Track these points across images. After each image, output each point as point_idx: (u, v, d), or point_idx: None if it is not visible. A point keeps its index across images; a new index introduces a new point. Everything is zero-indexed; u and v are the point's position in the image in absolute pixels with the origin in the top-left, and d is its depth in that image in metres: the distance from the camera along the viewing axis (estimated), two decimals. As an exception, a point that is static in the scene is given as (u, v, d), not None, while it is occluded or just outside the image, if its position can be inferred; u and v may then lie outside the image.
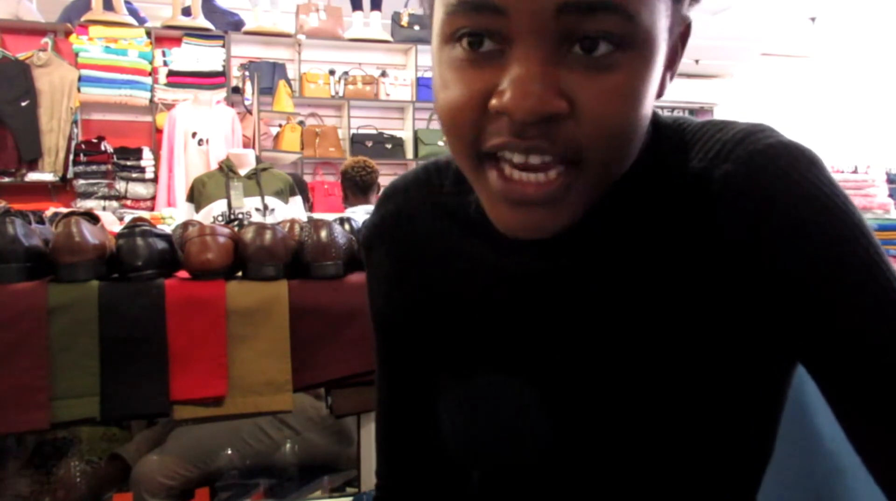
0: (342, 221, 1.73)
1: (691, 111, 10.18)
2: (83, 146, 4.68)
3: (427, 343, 0.68)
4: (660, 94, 0.54)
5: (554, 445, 0.62)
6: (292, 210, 3.24)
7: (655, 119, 0.59)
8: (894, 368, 0.50)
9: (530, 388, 0.62)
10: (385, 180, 5.61)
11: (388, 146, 5.48)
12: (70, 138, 4.65)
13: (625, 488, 0.60)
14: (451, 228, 0.65)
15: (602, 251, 0.58)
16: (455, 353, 0.66)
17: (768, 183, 0.52)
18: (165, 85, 4.87)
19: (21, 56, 4.63)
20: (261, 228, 1.52)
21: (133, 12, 4.89)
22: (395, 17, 5.48)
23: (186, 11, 4.99)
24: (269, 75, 5.05)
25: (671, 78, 0.56)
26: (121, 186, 4.70)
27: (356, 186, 3.57)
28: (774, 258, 0.52)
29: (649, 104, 0.51)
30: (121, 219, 3.44)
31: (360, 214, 2.56)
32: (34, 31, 4.79)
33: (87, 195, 4.61)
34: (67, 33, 4.75)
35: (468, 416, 0.65)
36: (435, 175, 0.68)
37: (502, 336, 0.63)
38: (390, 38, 5.44)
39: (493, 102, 0.48)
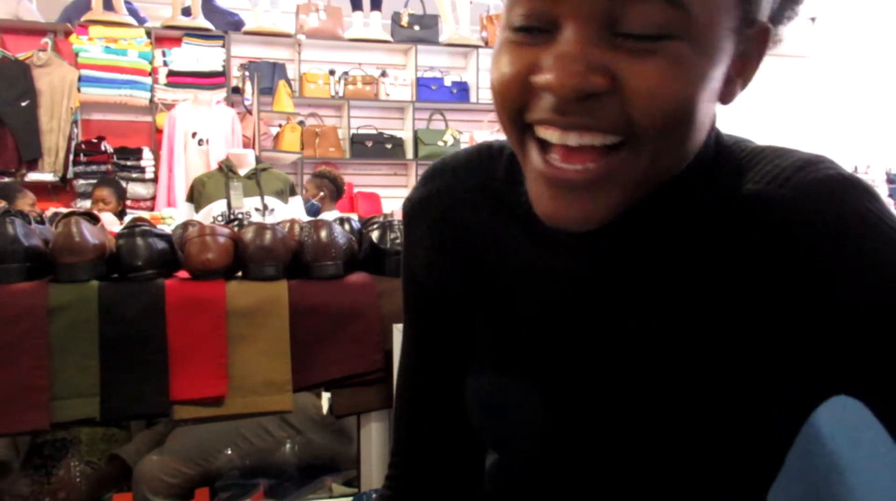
0: (342, 221, 1.73)
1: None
2: (83, 146, 4.68)
3: (461, 321, 0.68)
4: (725, 100, 0.54)
5: (569, 441, 0.62)
6: (292, 210, 3.24)
7: (718, 137, 0.59)
8: None
9: (554, 385, 0.62)
10: (385, 180, 5.63)
11: (388, 146, 5.48)
12: (70, 138, 4.64)
13: (639, 487, 0.61)
14: (499, 216, 0.65)
15: (645, 260, 0.58)
16: (486, 337, 0.66)
17: (827, 213, 0.52)
18: (165, 85, 4.87)
19: (21, 56, 4.63)
20: (261, 228, 1.52)
21: (133, 12, 4.89)
22: (395, 17, 5.49)
23: (186, 11, 4.98)
24: (269, 75, 5.05)
25: (742, 86, 0.55)
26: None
27: (338, 190, 4.01)
28: (832, 287, 0.52)
29: (706, 99, 0.50)
30: (121, 219, 3.44)
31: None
32: (34, 31, 4.79)
33: (87, 195, 4.61)
34: (67, 33, 4.75)
35: (494, 404, 0.65)
36: (487, 159, 0.68)
37: (534, 330, 0.63)
38: (390, 39, 5.44)
39: (537, 78, 0.49)
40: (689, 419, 0.57)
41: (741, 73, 0.54)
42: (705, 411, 0.57)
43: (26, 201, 3.80)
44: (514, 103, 0.52)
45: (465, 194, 0.67)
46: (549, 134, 0.50)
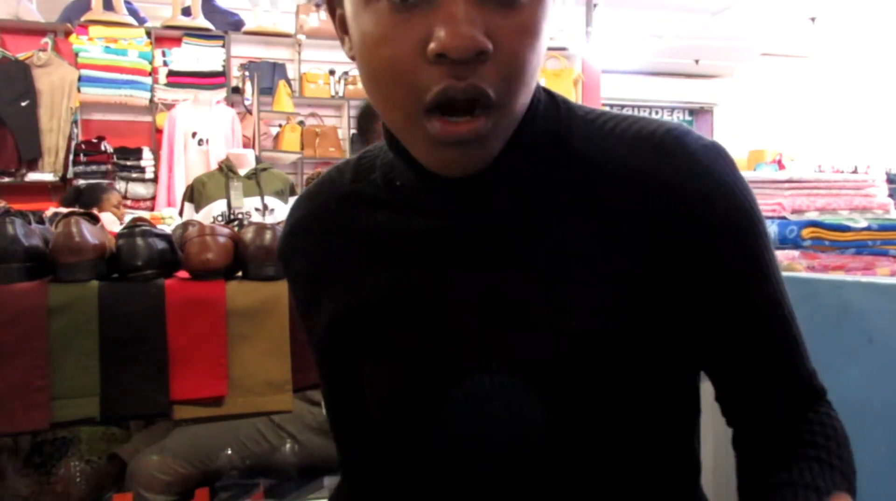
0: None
1: (691, 111, 10.18)
2: (83, 146, 4.68)
3: (359, 333, 0.69)
4: None
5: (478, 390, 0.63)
6: (292, 210, 3.23)
7: (546, 89, 0.64)
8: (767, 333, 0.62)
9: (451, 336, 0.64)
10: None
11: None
12: (70, 138, 4.64)
13: (562, 449, 0.62)
14: (359, 210, 0.68)
15: (506, 202, 0.62)
16: (387, 330, 0.67)
17: (704, 180, 0.59)
18: (165, 85, 4.87)
19: (21, 56, 4.63)
20: (261, 228, 1.52)
21: (133, 12, 4.89)
22: (395, 17, 5.48)
23: (186, 11, 4.99)
24: (269, 75, 5.04)
25: None
26: (121, 186, 4.70)
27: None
28: (699, 244, 0.60)
29: (546, 47, 0.57)
30: (121, 219, 3.45)
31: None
32: (34, 31, 4.79)
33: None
34: (67, 33, 4.75)
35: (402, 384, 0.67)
36: (336, 176, 0.71)
37: (428, 301, 0.64)
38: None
39: (431, 46, 0.52)
40: (573, 361, 0.60)
41: None
42: (593, 348, 0.60)
43: (111, 202, 3.79)
44: (413, 79, 0.53)
45: (324, 210, 0.70)
46: (441, 127, 0.54)
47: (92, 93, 4.65)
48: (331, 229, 0.69)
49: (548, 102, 0.64)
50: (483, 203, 0.62)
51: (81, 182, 4.50)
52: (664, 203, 0.59)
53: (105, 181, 4.53)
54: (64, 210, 2.49)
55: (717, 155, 0.60)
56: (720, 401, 0.66)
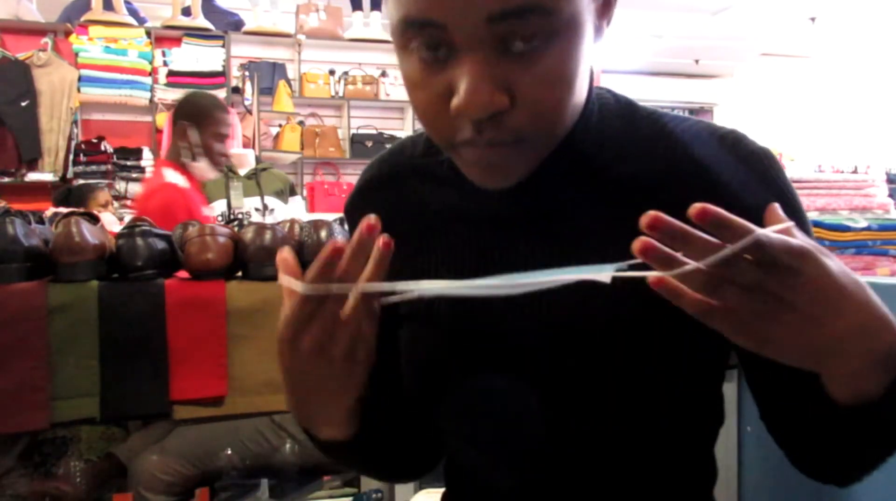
0: (342, 221, 1.73)
1: (691, 111, 10.18)
2: (83, 146, 4.68)
3: (410, 311, 0.70)
4: (595, 41, 0.60)
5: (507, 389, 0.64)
6: (292, 210, 3.24)
7: (610, 90, 0.67)
8: None
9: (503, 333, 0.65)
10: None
11: (388, 146, 5.46)
12: (70, 138, 4.64)
13: (588, 443, 0.63)
14: (425, 185, 0.72)
15: (563, 189, 0.65)
16: (431, 298, 0.68)
17: (764, 176, 0.63)
18: (165, 85, 4.87)
19: (21, 56, 4.63)
20: (261, 228, 1.52)
21: (133, 12, 4.89)
22: (395, 17, 5.47)
23: (186, 11, 4.98)
24: (268, 75, 5.04)
25: (608, 23, 0.62)
26: (121, 186, 4.70)
27: None
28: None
29: (584, 69, 0.58)
30: (121, 219, 3.44)
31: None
32: (34, 31, 4.79)
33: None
34: (67, 33, 4.75)
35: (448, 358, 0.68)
36: (409, 145, 0.76)
37: (477, 266, 0.66)
38: (390, 38, 5.43)
39: (453, 102, 0.54)
40: (621, 341, 0.61)
41: (605, 14, 0.60)
42: (637, 335, 0.61)
43: (98, 201, 3.78)
44: (441, 125, 0.57)
45: (393, 176, 0.75)
46: (473, 153, 0.57)
47: (92, 93, 4.65)
48: (396, 198, 0.73)
49: (607, 100, 0.67)
50: (533, 198, 0.65)
51: (76, 183, 4.51)
52: (727, 197, 0.60)
53: (103, 181, 4.54)
54: (64, 210, 2.49)
55: (771, 156, 0.66)
56: (765, 419, 0.67)
